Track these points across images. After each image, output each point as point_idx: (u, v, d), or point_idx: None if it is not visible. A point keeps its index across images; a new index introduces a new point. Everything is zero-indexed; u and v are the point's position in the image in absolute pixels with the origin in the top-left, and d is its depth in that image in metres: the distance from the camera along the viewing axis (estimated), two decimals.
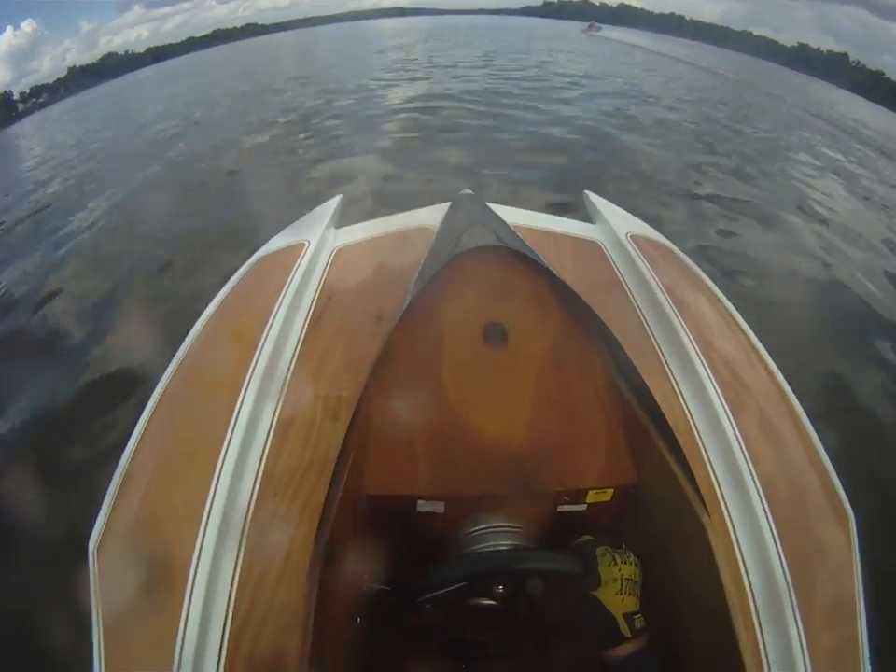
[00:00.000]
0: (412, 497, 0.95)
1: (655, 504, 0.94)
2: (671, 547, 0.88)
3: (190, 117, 10.81)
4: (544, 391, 1.07)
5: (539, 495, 0.97)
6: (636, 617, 0.76)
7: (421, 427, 1.02)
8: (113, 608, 0.71)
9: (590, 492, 0.96)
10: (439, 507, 0.95)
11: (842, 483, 0.88)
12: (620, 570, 0.78)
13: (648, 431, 0.94)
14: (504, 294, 1.14)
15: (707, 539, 0.77)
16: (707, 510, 0.80)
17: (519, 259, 1.11)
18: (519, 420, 1.03)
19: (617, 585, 0.77)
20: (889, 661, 0.79)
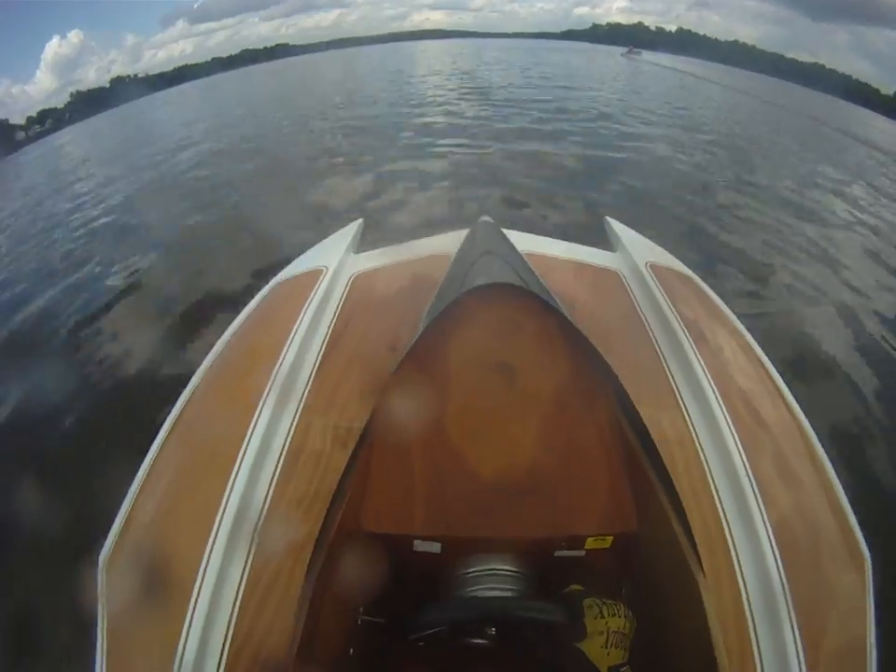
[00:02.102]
0: (408, 537, 1.02)
1: (655, 554, 0.98)
2: (667, 599, 0.93)
3: None
4: (548, 434, 1.12)
5: (536, 539, 1.03)
6: (622, 670, 0.82)
7: (422, 465, 1.09)
8: (119, 621, 0.79)
9: (588, 539, 1.01)
10: (435, 547, 1.02)
11: (861, 524, 0.92)
12: (607, 623, 0.84)
13: (651, 479, 0.99)
14: (512, 333, 1.20)
15: (700, 600, 0.80)
16: (702, 568, 0.84)
17: (528, 297, 1.17)
18: (521, 462, 1.09)
19: (603, 638, 0.83)
20: None
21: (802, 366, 3.02)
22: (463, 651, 0.88)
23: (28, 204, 9.05)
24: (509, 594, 0.97)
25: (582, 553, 1.03)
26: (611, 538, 1.01)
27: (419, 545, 1.02)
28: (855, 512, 0.94)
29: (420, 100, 14.29)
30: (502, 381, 1.15)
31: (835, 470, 1.00)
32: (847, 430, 2.63)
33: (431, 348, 1.14)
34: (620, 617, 0.85)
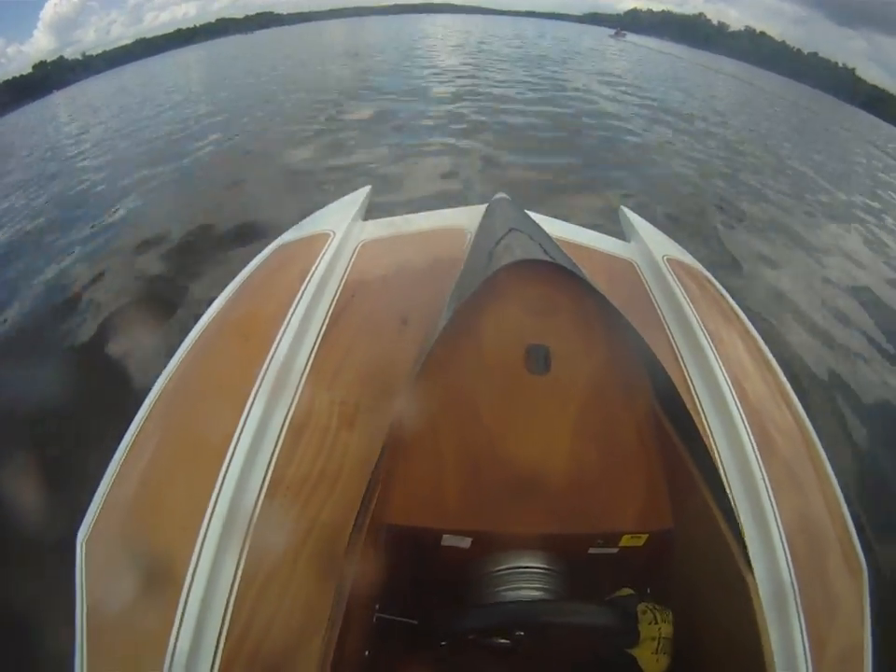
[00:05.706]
0: (437, 531, 0.96)
1: (691, 553, 0.95)
2: (706, 600, 0.90)
3: None
4: (585, 423, 1.06)
5: (572, 536, 0.98)
6: None
7: (452, 454, 1.03)
8: (100, 605, 0.75)
9: (624, 536, 0.97)
10: (465, 542, 0.97)
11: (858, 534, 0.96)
12: (659, 629, 0.82)
13: (690, 473, 0.94)
14: (550, 313, 1.13)
15: (749, 600, 0.78)
16: (751, 568, 0.81)
17: (564, 275, 1.10)
18: (556, 453, 1.03)
19: (654, 644, 0.82)
20: None
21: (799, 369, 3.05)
22: (487, 651, 0.85)
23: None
24: (543, 594, 0.93)
25: (615, 550, 0.99)
26: (646, 535, 0.98)
27: (447, 539, 0.97)
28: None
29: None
30: (539, 366, 1.09)
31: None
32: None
33: (462, 329, 1.06)
34: (669, 623, 0.83)
